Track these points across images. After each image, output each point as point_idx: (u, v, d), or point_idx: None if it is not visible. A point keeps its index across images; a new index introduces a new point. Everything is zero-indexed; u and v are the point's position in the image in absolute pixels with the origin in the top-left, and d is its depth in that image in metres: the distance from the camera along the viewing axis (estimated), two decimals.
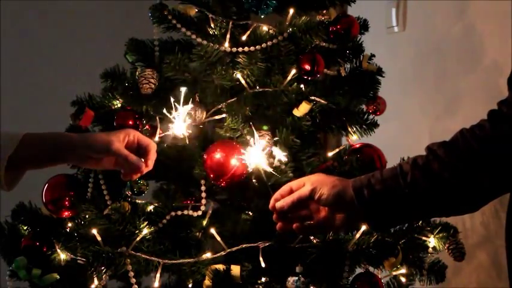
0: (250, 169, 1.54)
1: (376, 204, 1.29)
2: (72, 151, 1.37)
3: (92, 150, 1.39)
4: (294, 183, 1.39)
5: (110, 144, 1.38)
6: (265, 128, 1.62)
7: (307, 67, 1.71)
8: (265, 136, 1.59)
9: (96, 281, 1.63)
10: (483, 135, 1.23)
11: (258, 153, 1.54)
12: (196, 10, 1.77)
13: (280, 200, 1.39)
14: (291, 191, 1.38)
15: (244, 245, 1.61)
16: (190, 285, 1.68)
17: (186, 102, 1.60)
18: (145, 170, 1.45)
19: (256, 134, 1.55)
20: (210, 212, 1.71)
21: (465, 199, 1.27)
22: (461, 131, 1.27)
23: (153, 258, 1.60)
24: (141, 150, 1.45)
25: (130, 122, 1.66)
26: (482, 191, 1.26)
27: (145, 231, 1.60)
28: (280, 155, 1.55)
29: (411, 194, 1.27)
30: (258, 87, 1.67)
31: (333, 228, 1.40)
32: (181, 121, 1.58)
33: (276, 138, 1.62)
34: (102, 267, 1.57)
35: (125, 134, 1.43)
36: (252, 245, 1.60)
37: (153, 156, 1.46)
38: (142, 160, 1.43)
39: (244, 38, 1.72)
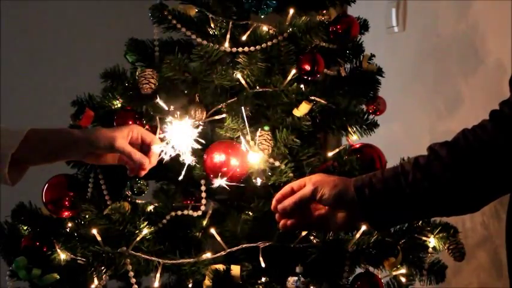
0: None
1: (377, 204, 1.29)
2: (75, 147, 1.37)
3: (95, 147, 1.38)
4: (295, 184, 1.39)
5: (114, 140, 1.38)
6: (266, 128, 1.61)
7: (307, 67, 1.71)
8: (264, 136, 1.59)
9: (96, 281, 1.63)
10: (485, 136, 1.23)
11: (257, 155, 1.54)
12: (196, 10, 1.77)
13: (282, 200, 1.39)
14: (292, 192, 1.38)
15: (244, 245, 1.61)
16: (190, 285, 1.68)
17: (186, 103, 1.61)
18: (148, 166, 1.45)
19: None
20: (210, 212, 1.71)
21: (466, 199, 1.27)
22: (463, 131, 1.27)
23: (153, 258, 1.60)
24: (144, 147, 1.45)
25: (130, 122, 1.66)
26: (484, 191, 1.26)
27: (145, 231, 1.60)
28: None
29: (412, 194, 1.27)
30: (258, 87, 1.67)
31: (333, 227, 1.40)
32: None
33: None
34: (102, 267, 1.57)
35: (129, 130, 1.43)
36: (252, 245, 1.61)
37: (156, 153, 1.46)
38: (146, 157, 1.43)
39: (244, 38, 1.72)
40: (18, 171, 1.33)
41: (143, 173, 1.46)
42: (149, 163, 1.45)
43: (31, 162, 1.34)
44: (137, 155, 1.42)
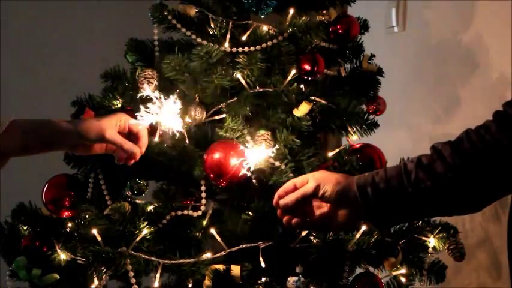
0: (250, 171, 1.54)
1: (379, 202, 1.29)
2: (64, 139, 1.37)
3: (85, 138, 1.38)
4: (297, 180, 1.39)
5: (104, 131, 1.38)
6: (262, 131, 1.61)
7: (307, 67, 1.71)
8: (265, 136, 1.59)
9: (96, 281, 1.63)
10: (488, 136, 1.23)
11: (257, 154, 1.54)
12: (196, 10, 1.77)
13: (284, 196, 1.39)
14: (295, 188, 1.38)
15: (244, 245, 1.61)
16: (190, 285, 1.68)
17: (186, 102, 1.60)
18: (139, 155, 1.45)
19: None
20: (210, 212, 1.71)
21: (468, 199, 1.27)
22: (466, 131, 1.27)
23: (153, 258, 1.60)
24: (132, 135, 1.45)
25: None
26: (486, 191, 1.26)
27: (145, 231, 1.60)
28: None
29: (414, 193, 1.27)
30: (258, 87, 1.67)
31: (335, 225, 1.39)
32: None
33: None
34: (102, 267, 1.57)
35: (116, 120, 1.42)
36: (252, 245, 1.61)
37: (145, 141, 1.46)
38: (137, 147, 1.43)
39: (244, 38, 1.72)
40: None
41: (133, 161, 1.46)
42: (140, 152, 1.45)
43: (13, 153, 1.33)
44: (128, 145, 1.42)
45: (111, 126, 1.40)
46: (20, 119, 1.32)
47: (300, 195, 1.36)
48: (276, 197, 1.40)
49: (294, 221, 1.39)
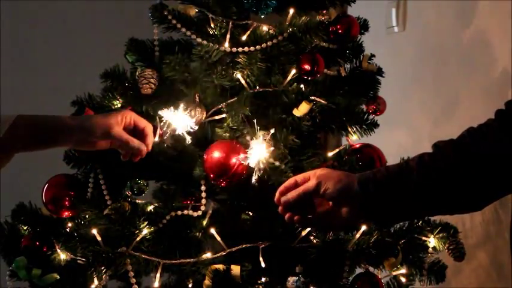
0: (252, 165, 1.53)
1: (380, 200, 1.29)
2: (69, 135, 1.36)
3: (91, 135, 1.38)
4: (299, 177, 1.39)
5: (110, 128, 1.38)
6: (262, 132, 1.61)
7: (307, 67, 1.71)
8: (265, 136, 1.59)
9: (96, 281, 1.63)
10: (490, 134, 1.23)
11: (258, 153, 1.54)
12: (196, 10, 1.77)
13: (285, 193, 1.39)
14: (296, 185, 1.38)
15: (244, 245, 1.61)
16: (190, 285, 1.68)
17: (186, 102, 1.61)
18: (145, 152, 1.45)
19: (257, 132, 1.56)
20: (210, 212, 1.71)
21: (470, 198, 1.27)
22: (468, 129, 1.28)
23: (153, 258, 1.60)
24: (137, 132, 1.45)
25: None
26: (487, 190, 1.26)
27: (145, 231, 1.60)
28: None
29: (416, 191, 1.27)
30: (258, 87, 1.67)
31: (336, 223, 1.39)
32: (182, 120, 1.58)
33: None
34: (102, 267, 1.57)
35: (122, 116, 1.43)
36: (252, 245, 1.61)
37: (151, 138, 1.47)
38: (143, 144, 1.44)
39: (244, 38, 1.71)
40: (4, 158, 1.32)
41: (138, 158, 1.46)
42: (147, 150, 1.45)
43: (18, 149, 1.33)
44: (135, 142, 1.43)
45: (117, 122, 1.40)
46: (25, 114, 1.32)
47: (301, 192, 1.36)
48: (277, 193, 1.40)
49: (296, 218, 1.38)
